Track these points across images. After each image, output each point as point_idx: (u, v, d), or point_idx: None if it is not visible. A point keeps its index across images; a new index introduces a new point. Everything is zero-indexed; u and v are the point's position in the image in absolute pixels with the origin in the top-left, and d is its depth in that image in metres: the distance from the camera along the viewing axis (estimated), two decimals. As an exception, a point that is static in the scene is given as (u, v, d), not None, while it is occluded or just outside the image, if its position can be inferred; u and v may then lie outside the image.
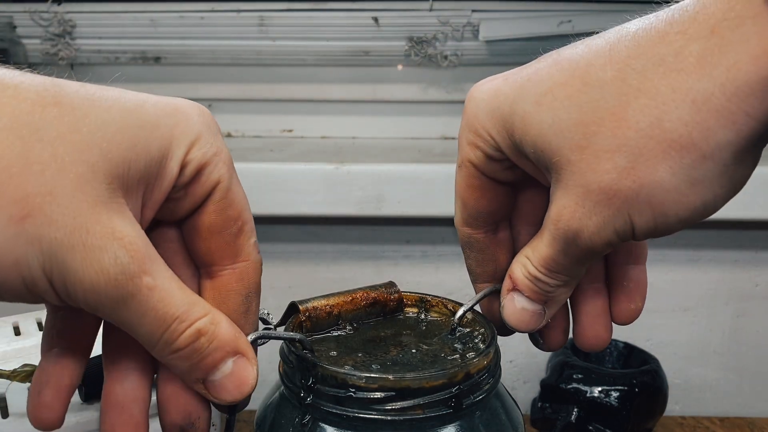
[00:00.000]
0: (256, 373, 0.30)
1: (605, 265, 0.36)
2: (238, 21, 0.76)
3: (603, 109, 0.28)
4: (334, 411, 0.32)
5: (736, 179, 0.28)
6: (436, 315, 0.40)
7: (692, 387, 0.76)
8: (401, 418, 0.32)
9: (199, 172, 0.29)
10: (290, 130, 0.81)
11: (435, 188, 0.68)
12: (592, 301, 0.36)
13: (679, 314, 0.75)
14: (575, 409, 0.62)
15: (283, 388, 0.35)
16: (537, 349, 0.39)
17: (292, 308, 0.38)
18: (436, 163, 0.69)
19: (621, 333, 0.73)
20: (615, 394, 0.62)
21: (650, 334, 0.75)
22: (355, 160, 0.69)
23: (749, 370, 0.76)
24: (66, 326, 0.30)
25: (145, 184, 0.28)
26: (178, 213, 0.30)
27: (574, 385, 0.63)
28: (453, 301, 0.40)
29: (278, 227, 0.74)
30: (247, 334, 0.31)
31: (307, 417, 0.33)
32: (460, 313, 0.37)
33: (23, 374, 0.37)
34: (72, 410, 0.39)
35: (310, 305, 0.37)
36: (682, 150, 0.27)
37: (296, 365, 0.34)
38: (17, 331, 0.48)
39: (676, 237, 0.73)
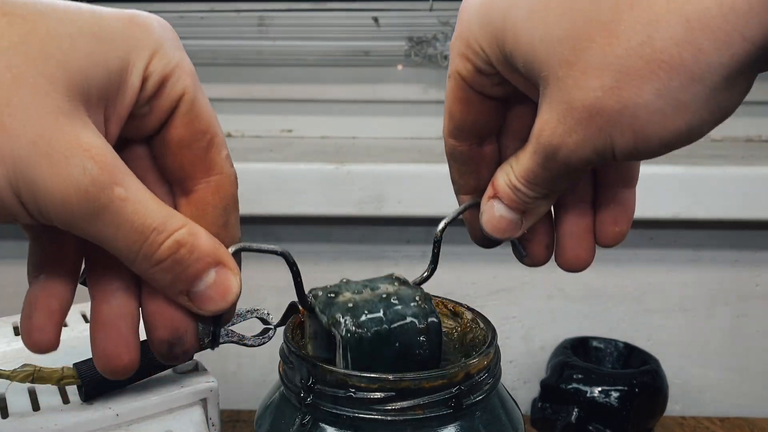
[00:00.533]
0: (239, 282, 0.30)
1: (594, 186, 0.35)
2: (238, 21, 0.76)
3: (595, 23, 0.27)
4: (334, 411, 0.32)
5: (724, 105, 0.27)
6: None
7: (692, 387, 0.76)
8: (401, 418, 0.32)
9: (162, 84, 0.29)
10: (290, 130, 0.81)
11: (435, 188, 0.68)
12: (576, 220, 0.35)
13: (679, 314, 0.75)
14: (575, 410, 0.62)
15: (283, 388, 0.35)
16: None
17: (292, 308, 0.38)
18: (436, 163, 0.69)
19: (621, 333, 0.73)
20: (615, 395, 0.62)
21: (650, 334, 0.75)
22: (355, 160, 0.69)
23: (749, 370, 0.76)
24: (49, 252, 0.29)
25: (106, 98, 0.27)
26: (145, 129, 0.30)
27: (574, 385, 0.63)
28: (453, 301, 0.40)
29: (278, 227, 0.74)
30: (227, 246, 0.31)
31: (307, 417, 0.33)
32: (441, 225, 0.37)
33: (23, 374, 0.37)
34: (72, 410, 0.39)
35: (310, 305, 0.37)
36: (671, 71, 0.26)
37: (296, 365, 0.34)
38: (17, 331, 0.48)
39: (676, 237, 0.73)
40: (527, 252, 0.37)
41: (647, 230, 0.73)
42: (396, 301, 0.35)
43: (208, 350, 0.41)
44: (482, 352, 0.34)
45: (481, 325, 0.38)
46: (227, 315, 0.32)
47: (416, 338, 0.34)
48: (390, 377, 0.32)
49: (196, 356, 0.42)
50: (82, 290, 0.39)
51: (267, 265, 0.75)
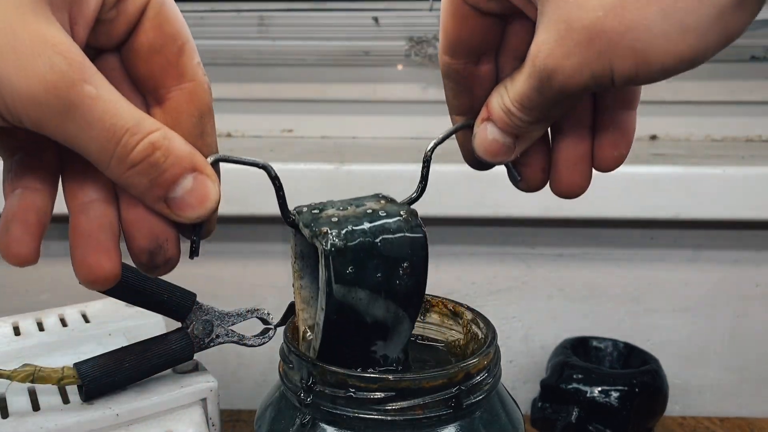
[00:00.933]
0: (218, 190, 0.30)
1: (593, 108, 0.34)
2: (238, 21, 0.76)
3: None
4: (334, 411, 0.32)
5: (731, 27, 0.26)
6: (436, 315, 0.40)
7: (692, 387, 0.76)
8: (401, 418, 0.32)
9: None
10: (290, 130, 0.81)
11: (435, 188, 0.68)
12: (573, 145, 0.34)
13: (679, 314, 0.75)
14: (575, 409, 0.62)
15: (283, 388, 0.35)
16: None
17: (292, 308, 0.38)
18: (436, 163, 0.69)
19: (621, 333, 0.73)
20: (615, 394, 0.62)
21: (650, 334, 0.75)
22: (355, 160, 0.69)
23: (749, 370, 0.76)
24: (25, 166, 0.29)
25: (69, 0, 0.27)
26: (114, 36, 0.30)
27: (575, 385, 0.63)
28: (453, 301, 0.40)
29: (278, 227, 0.74)
30: (205, 156, 0.30)
31: (307, 417, 0.33)
32: (431, 145, 0.36)
33: (23, 374, 0.37)
34: (72, 410, 0.39)
35: (310, 305, 0.37)
36: None
37: (296, 365, 0.34)
38: (17, 331, 0.48)
39: (676, 237, 0.73)
40: (522, 176, 0.36)
41: (647, 230, 0.73)
42: (381, 215, 0.34)
43: (208, 350, 0.41)
44: (482, 352, 0.34)
45: (481, 325, 0.38)
46: (208, 225, 0.31)
47: (401, 252, 0.33)
48: (390, 377, 0.32)
49: (196, 356, 0.42)
50: (81, 289, 0.39)
51: (267, 265, 0.75)
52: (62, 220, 0.30)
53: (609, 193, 0.66)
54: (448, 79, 0.35)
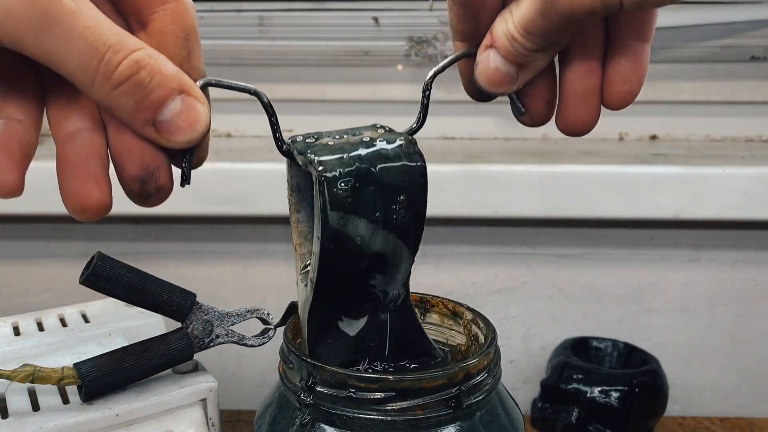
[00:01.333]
0: (208, 112, 0.29)
1: (604, 38, 0.32)
2: (238, 21, 0.76)
3: None
4: (334, 411, 0.32)
5: None
6: (436, 315, 0.40)
7: (692, 387, 0.76)
8: (401, 418, 0.32)
9: None
10: (290, 130, 0.81)
11: (435, 188, 0.68)
12: (583, 77, 0.33)
13: (679, 314, 0.75)
14: (575, 410, 0.62)
15: (283, 388, 0.35)
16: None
17: (292, 308, 0.38)
18: (436, 163, 0.69)
19: (621, 333, 0.73)
20: (615, 395, 0.62)
21: (650, 334, 0.75)
22: (355, 160, 0.69)
23: (749, 370, 0.76)
24: (6, 99, 0.28)
25: None
26: None
27: (575, 385, 0.63)
28: (453, 301, 0.40)
29: (278, 227, 0.74)
30: (193, 80, 0.30)
31: (307, 417, 0.33)
32: (431, 73, 0.35)
33: (23, 374, 0.37)
34: (72, 410, 0.39)
35: (310, 305, 0.37)
36: None
37: (296, 365, 0.34)
38: (17, 331, 0.48)
39: (676, 237, 0.73)
40: (526, 108, 0.34)
41: (647, 230, 0.73)
42: (379, 142, 0.33)
43: (208, 351, 0.41)
44: (482, 352, 0.34)
45: (481, 325, 0.38)
46: (200, 152, 0.31)
47: (399, 180, 0.32)
48: (390, 377, 0.32)
49: (196, 356, 0.42)
50: (82, 289, 0.39)
51: (267, 265, 0.75)
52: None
53: (609, 193, 0.66)
54: (454, 2, 0.33)
